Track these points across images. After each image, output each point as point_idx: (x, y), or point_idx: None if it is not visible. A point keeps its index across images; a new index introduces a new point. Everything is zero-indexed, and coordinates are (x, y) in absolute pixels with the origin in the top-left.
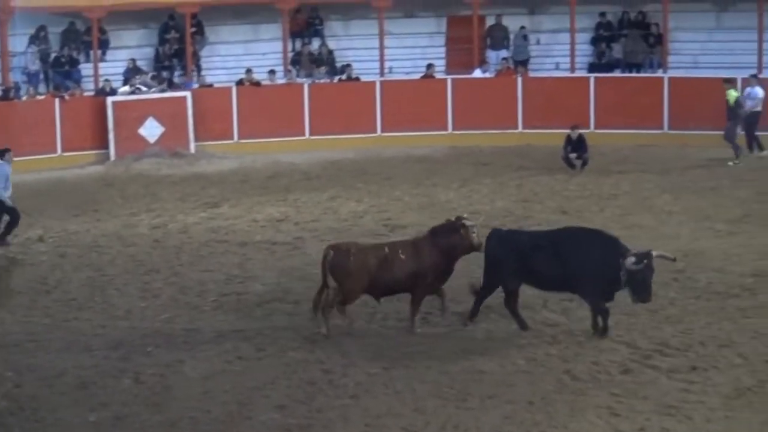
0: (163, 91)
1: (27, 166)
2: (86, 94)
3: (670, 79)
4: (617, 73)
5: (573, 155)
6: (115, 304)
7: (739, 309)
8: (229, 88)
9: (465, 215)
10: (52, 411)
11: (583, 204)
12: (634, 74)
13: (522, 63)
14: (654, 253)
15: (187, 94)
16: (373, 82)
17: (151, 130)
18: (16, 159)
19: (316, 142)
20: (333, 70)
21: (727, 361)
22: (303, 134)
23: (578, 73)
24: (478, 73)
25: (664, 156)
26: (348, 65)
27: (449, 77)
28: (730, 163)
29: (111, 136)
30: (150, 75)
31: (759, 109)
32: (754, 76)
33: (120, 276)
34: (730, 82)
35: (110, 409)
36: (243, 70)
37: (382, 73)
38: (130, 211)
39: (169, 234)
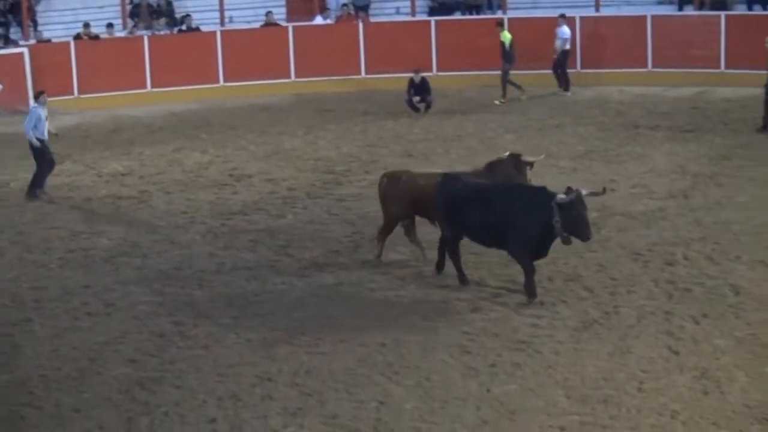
0: None
1: None
2: None
3: (509, 19)
4: (458, 16)
5: (416, 98)
6: None
7: (584, 243)
8: (67, 43)
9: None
10: None
11: (428, 146)
12: (474, 16)
13: (362, 8)
14: (583, 191)
15: (24, 50)
16: (214, 32)
17: None
18: None
19: (158, 95)
20: (173, 22)
21: (573, 294)
22: (144, 87)
23: (419, 17)
24: (318, 20)
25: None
26: (187, 16)
27: (290, 25)
28: (497, 102)
29: None
30: None
31: (567, 47)
32: (562, 16)
33: None
34: (502, 25)
35: None
36: (80, 25)
37: (222, 23)
38: None
39: (12, 192)
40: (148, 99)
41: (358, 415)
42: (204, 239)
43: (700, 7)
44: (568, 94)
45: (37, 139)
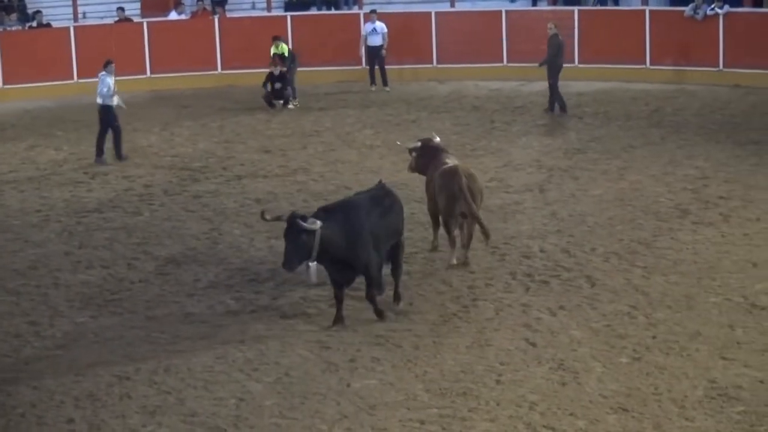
0: None
1: None
2: None
3: (365, 15)
4: (314, 11)
5: (278, 85)
6: None
7: (442, 237)
8: None
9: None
10: None
11: (285, 142)
12: (331, 11)
13: (219, 3)
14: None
15: None
16: (67, 28)
17: None
18: None
19: (10, 92)
20: (24, 17)
21: (432, 288)
22: None
23: (275, 12)
24: (173, 16)
25: (364, 91)
26: (39, 11)
27: (144, 20)
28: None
29: None
30: None
31: (377, 43)
32: (373, 11)
33: None
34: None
35: None
36: None
37: (75, 19)
38: None
39: None
40: (0, 96)
41: (218, 412)
42: (59, 237)
43: (555, 2)
44: (387, 89)
45: (106, 105)
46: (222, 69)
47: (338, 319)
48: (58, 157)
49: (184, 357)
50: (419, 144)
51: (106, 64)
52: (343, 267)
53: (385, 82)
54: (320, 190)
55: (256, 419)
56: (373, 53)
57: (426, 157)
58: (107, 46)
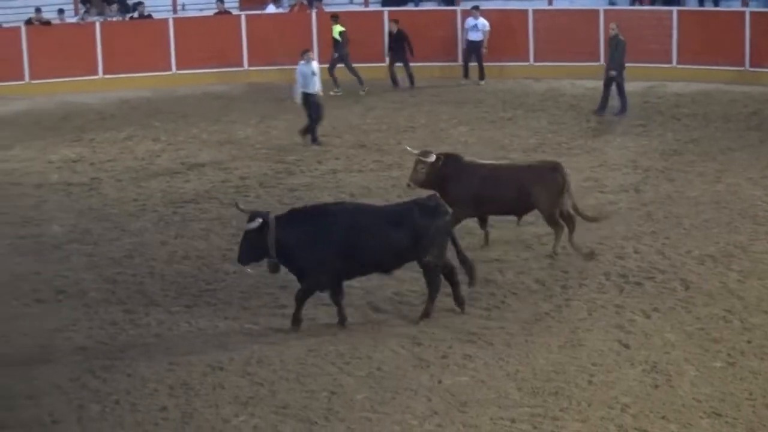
0: None
1: None
2: None
3: (464, 11)
4: (410, 7)
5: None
6: None
7: (536, 236)
8: (18, 28)
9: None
10: None
11: (380, 137)
12: (429, 8)
13: None
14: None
15: None
16: (166, 20)
17: None
18: None
19: (109, 82)
20: (125, 8)
21: (524, 287)
22: (96, 74)
23: (372, 7)
24: (271, 9)
25: (459, 88)
26: (140, 3)
27: (243, 13)
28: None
29: None
30: None
31: (477, 39)
32: (476, 7)
33: None
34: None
35: None
36: (32, 10)
37: (175, 11)
38: None
39: None
40: (99, 86)
41: (309, 404)
42: (155, 227)
43: (653, 2)
44: (482, 83)
45: (305, 93)
46: (319, 63)
47: (295, 321)
48: (156, 147)
49: (277, 349)
50: (434, 156)
51: (303, 53)
52: (293, 270)
53: (481, 76)
54: None
55: (347, 413)
56: (471, 48)
57: (449, 167)
58: (205, 39)
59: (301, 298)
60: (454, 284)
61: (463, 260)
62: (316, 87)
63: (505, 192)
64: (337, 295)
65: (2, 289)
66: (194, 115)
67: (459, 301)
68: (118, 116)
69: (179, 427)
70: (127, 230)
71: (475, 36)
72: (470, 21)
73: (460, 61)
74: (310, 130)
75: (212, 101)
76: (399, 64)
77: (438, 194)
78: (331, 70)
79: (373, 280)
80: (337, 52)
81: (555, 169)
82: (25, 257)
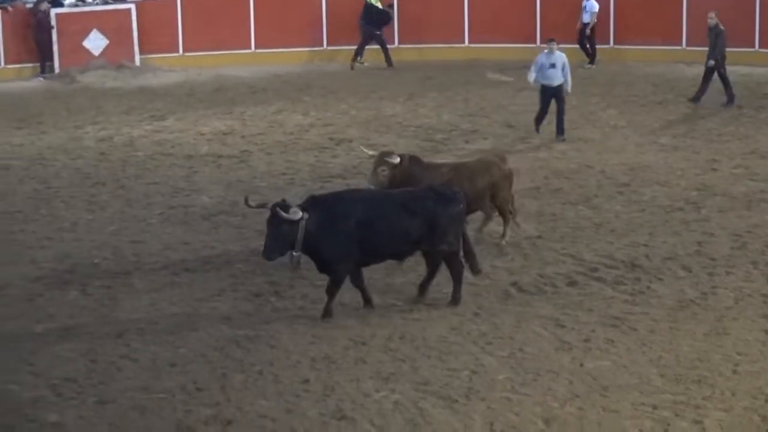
0: (106, 3)
1: None
2: (29, 5)
3: None
4: None
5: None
6: (61, 216)
7: (683, 222)
8: (174, 1)
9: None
10: None
11: (529, 118)
12: None
13: None
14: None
15: (131, 6)
16: None
17: (95, 42)
18: None
19: (261, 56)
20: None
21: (671, 273)
22: (248, 47)
23: None
24: None
25: (609, 70)
26: None
27: None
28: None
29: (55, 48)
30: None
31: (586, 21)
32: None
33: (66, 188)
34: None
35: (57, 320)
36: None
37: None
38: (75, 123)
39: (115, 147)
40: (251, 59)
41: (450, 383)
42: None
43: None
44: (593, 66)
45: (542, 85)
46: (469, 42)
47: (326, 312)
48: (305, 122)
49: (420, 326)
50: (398, 158)
51: (548, 41)
52: (318, 261)
53: (591, 60)
54: (561, 168)
55: (487, 392)
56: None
57: (411, 168)
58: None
59: (333, 291)
60: (431, 272)
61: (467, 251)
62: (555, 80)
63: (468, 190)
64: (357, 280)
65: (152, 258)
66: (343, 90)
67: (423, 288)
68: (269, 90)
69: (320, 400)
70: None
71: (583, 18)
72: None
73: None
74: (538, 120)
75: (361, 78)
76: None
77: None
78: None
79: (518, 260)
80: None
81: (504, 161)
82: (174, 227)
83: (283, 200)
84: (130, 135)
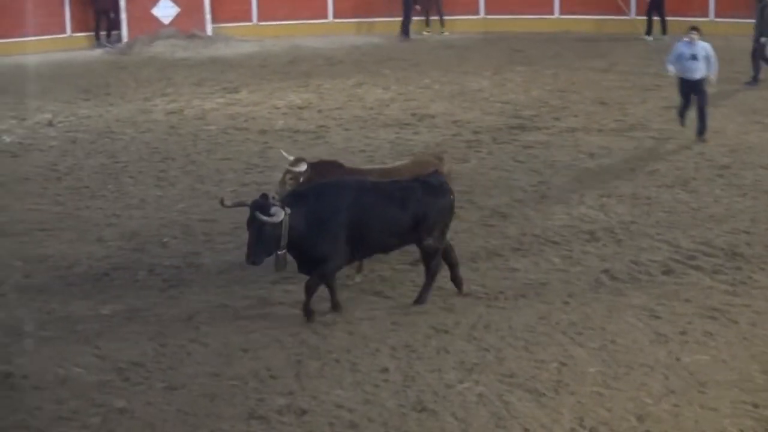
0: None
1: (34, 47)
2: None
3: None
4: None
5: None
6: (129, 192)
7: None
8: None
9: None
10: (63, 303)
11: (623, 95)
12: None
13: None
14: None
15: None
16: None
17: (165, 10)
18: (21, 40)
19: (339, 26)
20: None
21: None
22: (326, 17)
23: None
24: None
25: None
26: None
27: None
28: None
29: (123, 16)
30: None
31: None
32: None
33: (134, 163)
34: None
35: (124, 301)
36: None
37: None
38: (143, 95)
39: (186, 120)
40: (328, 30)
41: (538, 375)
42: None
43: None
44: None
45: (681, 78)
46: (560, 14)
47: (308, 313)
48: (385, 96)
49: (505, 314)
50: (305, 166)
51: (689, 31)
52: (306, 258)
53: (663, 30)
54: (657, 148)
55: (577, 386)
56: (652, 4)
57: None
58: None
59: (314, 288)
60: (451, 265)
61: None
62: (695, 72)
63: None
64: (331, 279)
65: (224, 238)
66: (425, 64)
67: (457, 282)
68: (347, 62)
69: (400, 390)
70: None
71: None
72: None
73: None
74: (681, 113)
75: (445, 50)
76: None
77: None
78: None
79: (610, 247)
80: None
81: (442, 161)
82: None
83: (264, 195)
84: (201, 108)
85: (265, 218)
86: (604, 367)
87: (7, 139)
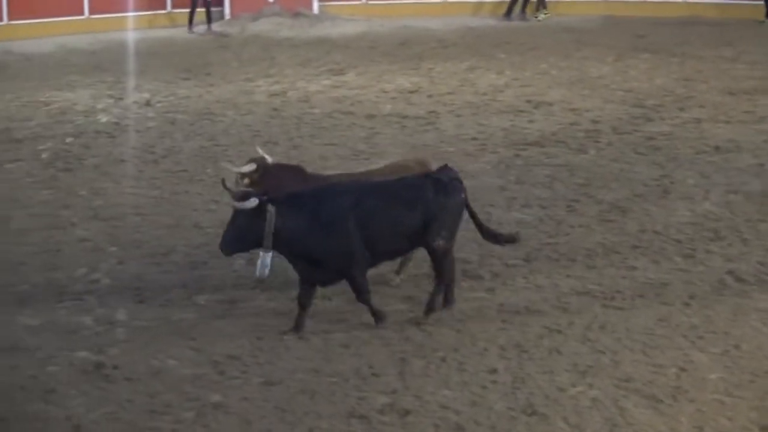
0: None
1: (134, 23)
2: None
3: None
4: None
5: None
6: (229, 177)
7: None
8: None
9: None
10: (158, 291)
11: (755, 85)
12: None
13: None
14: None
15: None
16: None
17: None
18: (117, 15)
19: (452, 6)
20: None
21: None
22: None
23: None
24: None
25: None
26: None
27: None
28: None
29: None
30: None
31: None
32: None
33: (234, 146)
34: None
35: (222, 291)
36: None
37: None
38: (246, 76)
39: (289, 102)
40: (441, 10)
41: (655, 380)
42: (495, 170)
43: None
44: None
45: None
46: None
47: (298, 326)
48: (499, 81)
49: (623, 315)
50: (254, 167)
51: None
52: (312, 264)
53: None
54: None
55: (697, 393)
56: None
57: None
58: None
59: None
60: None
61: (491, 235)
62: None
63: None
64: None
65: None
66: (543, 48)
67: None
68: (461, 45)
69: (509, 392)
70: (464, 171)
71: None
72: None
73: None
74: None
75: (563, 34)
76: None
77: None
78: None
79: (736, 246)
80: None
81: (425, 165)
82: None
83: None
84: (305, 90)
85: (236, 203)
86: (727, 374)
87: (103, 118)
